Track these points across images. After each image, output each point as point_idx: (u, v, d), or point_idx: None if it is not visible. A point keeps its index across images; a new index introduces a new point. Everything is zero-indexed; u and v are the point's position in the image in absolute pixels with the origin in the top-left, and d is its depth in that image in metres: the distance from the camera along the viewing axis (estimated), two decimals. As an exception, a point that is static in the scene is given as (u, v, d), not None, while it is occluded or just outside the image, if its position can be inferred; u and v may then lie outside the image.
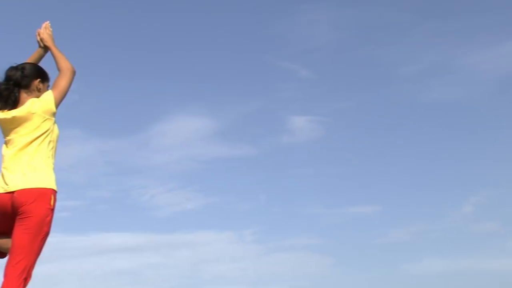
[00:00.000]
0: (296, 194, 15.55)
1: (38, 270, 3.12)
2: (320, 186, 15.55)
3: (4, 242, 3.26)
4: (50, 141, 3.22)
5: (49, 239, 3.15)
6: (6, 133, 3.24)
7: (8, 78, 3.26)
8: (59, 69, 3.35)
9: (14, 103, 3.21)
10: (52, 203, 3.12)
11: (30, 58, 3.54)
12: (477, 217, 14.11)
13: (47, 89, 3.32)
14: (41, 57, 3.57)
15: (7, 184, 3.12)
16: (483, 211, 14.20)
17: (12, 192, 3.08)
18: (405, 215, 14.71)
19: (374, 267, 13.66)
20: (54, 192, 3.16)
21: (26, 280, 3.03)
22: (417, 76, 16.03)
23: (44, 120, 3.19)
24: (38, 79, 3.31)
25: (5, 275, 3.01)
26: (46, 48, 3.53)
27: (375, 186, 15.26)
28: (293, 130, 15.94)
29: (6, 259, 3.12)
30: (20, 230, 3.05)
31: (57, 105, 3.24)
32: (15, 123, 3.18)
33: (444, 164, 15.40)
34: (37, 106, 3.18)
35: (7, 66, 3.29)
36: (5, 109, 3.20)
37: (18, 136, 3.18)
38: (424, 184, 15.20)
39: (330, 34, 16.33)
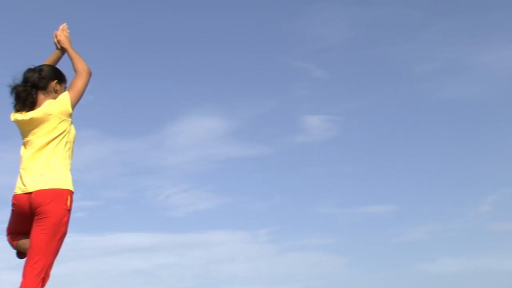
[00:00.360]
0: (310, 194, 15.49)
1: (55, 270, 3.14)
2: (334, 185, 15.47)
3: (24, 243, 3.30)
4: (67, 142, 3.25)
5: (65, 239, 3.17)
6: (24, 134, 3.27)
7: (25, 79, 3.29)
8: (75, 71, 3.37)
9: (31, 105, 3.24)
10: (68, 203, 3.15)
11: (47, 60, 3.57)
12: (494, 216, 13.95)
13: (64, 90, 3.34)
14: (58, 59, 3.60)
15: (24, 185, 3.15)
16: (500, 210, 14.03)
17: (30, 193, 3.12)
18: (420, 214, 14.59)
19: (389, 266, 13.57)
20: (70, 192, 3.18)
21: (44, 280, 3.06)
22: (432, 74, 15.87)
23: (61, 121, 3.21)
24: (55, 81, 3.34)
25: (24, 275, 3.04)
26: (63, 50, 3.55)
27: (390, 185, 15.14)
28: (307, 130, 15.88)
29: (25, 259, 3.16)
30: (38, 231, 3.08)
31: (73, 106, 3.26)
32: (33, 124, 3.20)
33: (460, 163, 15.25)
34: (53, 107, 3.20)
35: (25, 68, 3.33)
36: (23, 110, 3.23)
37: (36, 137, 3.21)
38: (440, 183, 15.06)
39: (344, 33, 16.25)
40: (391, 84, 16.27)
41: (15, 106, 3.27)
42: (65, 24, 3.59)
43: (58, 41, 3.56)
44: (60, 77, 3.38)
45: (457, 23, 15.85)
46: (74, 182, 3.24)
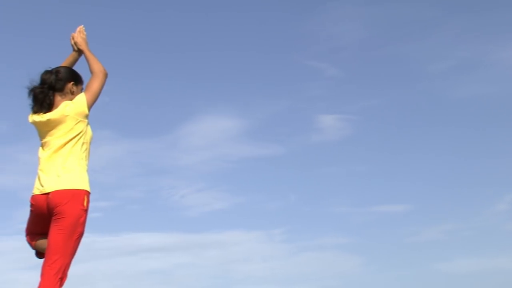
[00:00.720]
0: (325, 193, 15.43)
1: (72, 270, 3.17)
2: (349, 184, 15.40)
3: (42, 243, 3.33)
4: (83, 143, 3.27)
5: (82, 240, 3.19)
6: (42, 135, 3.30)
7: (43, 81, 3.32)
8: (91, 72, 3.40)
9: (49, 106, 3.27)
10: (85, 204, 3.17)
11: (64, 62, 3.60)
12: (511, 215, 13.80)
13: (81, 92, 3.37)
14: (75, 61, 3.63)
15: (42, 186, 3.19)
16: (518, 209, 13.87)
17: (48, 193, 3.15)
18: (437, 213, 14.47)
19: (405, 266, 13.49)
20: (87, 193, 3.20)
21: (62, 279, 3.08)
22: (448, 72, 15.74)
23: (77, 122, 3.24)
24: (72, 82, 3.37)
25: (42, 275, 3.07)
26: (80, 52, 3.58)
27: (405, 185, 15.04)
28: (322, 129, 15.82)
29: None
30: (55, 231, 3.11)
31: (89, 107, 3.28)
32: (50, 125, 3.24)
33: (476, 162, 15.10)
34: (70, 109, 3.23)
35: (42, 70, 3.36)
36: (41, 112, 3.26)
37: (53, 139, 3.24)
38: (457, 182, 14.92)
39: (358, 32, 16.19)
40: (406, 83, 16.17)
41: (32, 108, 3.31)
42: (82, 26, 3.62)
43: (75, 43, 3.58)
44: (76, 79, 3.41)
45: (472, 21, 15.71)
46: (91, 182, 3.27)
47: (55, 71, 3.35)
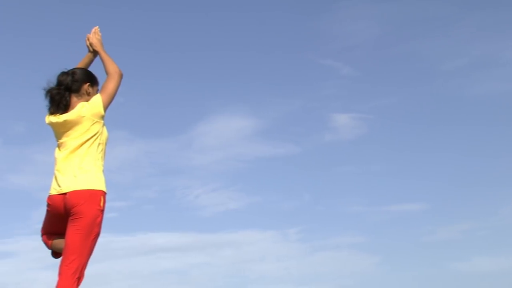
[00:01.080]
0: (340, 192, 15.36)
1: (88, 270, 3.18)
2: (364, 184, 15.32)
3: (58, 243, 3.36)
4: (99, 144, 3.29)
5: (98, 240, 3.21)
6: (58, 136, 3.33)
7: (59, 83, 3.35)
8: (107, 73, 3.41)
9: (65, 107, 3.30)
10: (102, 204, 3.19)
11: (80, 63, 3.63)
12: (528, 214, 13.63)
13: (97, 93, 3.39)
14: (90, 62, 3.65)
15: (59, 186, 3.21)
16: (535, 208, 13.70)
17: (65, 194, 3.17)
18: (453, 212, 14.34)
19: (421, 265, 13.39)
20: (103, 193, 3.22)
21: (79, 279, 3.11)
22: (463, 70, 15.60)
23: (93, 123, 3.26)
24: (88, 83, 3.39)
25: (60, 274, 3.09)
26: (95, 53, 3.60)
27: (422, 183, 14.93)
28: (336, 128, 15.77)
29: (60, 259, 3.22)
30: (72, 231, 3.13)
31: (105, 108, 3.30)
32: (67, 126, 3.26)
33: (493, 160, 14.94)
34: (86, 110, 3.25)
35: (58, 71, 3.39)
36: (57, 113, 3.29)
37: (70, 139, 3.26)
38: (472, 181, 14.79)
39: (372, 30, 16.10)
40: (421, 81, 16.04)
41: (49, 109, 3.34)
42: (97, 27, 3.64)
43: (90, 44, 3.60)
44: (92, 80, 3.43)
45: (487, 19, 15.55)
46: (107, 183, 3.28)
47: (71, 73, 3.38)
